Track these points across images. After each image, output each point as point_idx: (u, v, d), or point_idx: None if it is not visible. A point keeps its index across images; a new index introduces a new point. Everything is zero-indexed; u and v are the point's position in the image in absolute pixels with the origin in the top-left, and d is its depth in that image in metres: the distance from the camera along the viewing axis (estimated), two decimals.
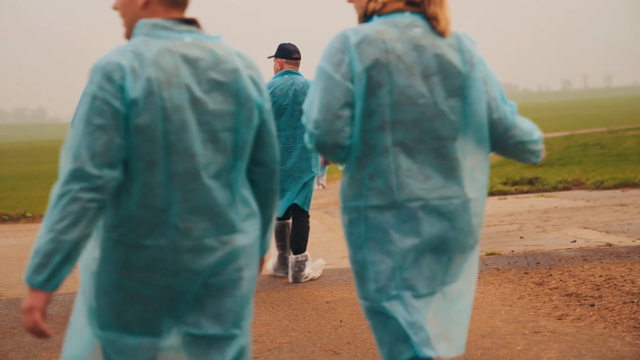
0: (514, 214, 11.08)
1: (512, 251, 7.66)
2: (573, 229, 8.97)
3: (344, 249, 8.68)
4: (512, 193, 15.53)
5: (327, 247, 8.93)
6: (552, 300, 5.49)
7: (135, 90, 2.28)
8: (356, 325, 5.17)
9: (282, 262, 7.12)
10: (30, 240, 11.39)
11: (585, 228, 9.00)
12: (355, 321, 5.27)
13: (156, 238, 2.35)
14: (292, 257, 6.80)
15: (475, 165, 2.72)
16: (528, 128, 2.84)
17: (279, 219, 7.02)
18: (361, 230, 2.67)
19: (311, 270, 6.86)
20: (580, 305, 5.29)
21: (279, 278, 7.04)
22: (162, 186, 2.33)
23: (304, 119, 2.66)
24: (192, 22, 2.44)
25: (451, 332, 2.69)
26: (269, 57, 7.14)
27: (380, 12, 2.69)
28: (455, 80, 2.64)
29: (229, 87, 2.41)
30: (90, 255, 2.43)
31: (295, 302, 6.00)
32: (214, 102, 2.38)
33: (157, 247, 2.36)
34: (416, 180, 2.61)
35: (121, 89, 2.27)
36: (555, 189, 15.73)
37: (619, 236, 8.20)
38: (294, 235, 6.86)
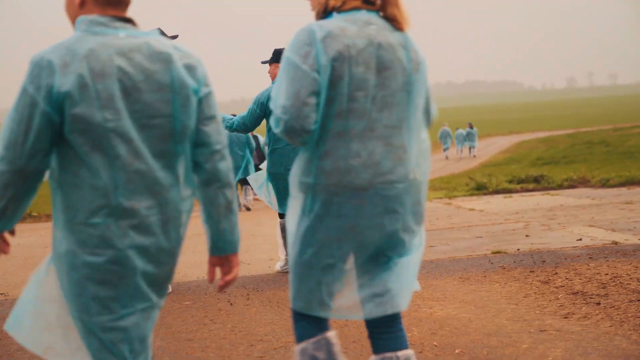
0: (520, 212, 11.07)
1: (518, 249, 7.64)
2: (579, 227, 8.95)
3: None
4: (517, 191, 15.51)
5: None
6: (558, 299, 5.48)
7: (66, 84, 2.49)
8: (362, 324, 5.16)
9: None
10: (35, 239, 11.40)
11: (591, 226, 8.99)
12: (361, 320, 5.26)
13: (103, 217, 2.55)
14: None
15: (419, 152, 2.99)
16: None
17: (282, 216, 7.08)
18: (308, 203, 2.92)
19: None
20: (586, 303, 5.28)
21: (285, 277, 7.04)
22: (106, 169, 2.54)
23: (272, 105, 2.89)
24: (128, 21, 2.67)
25: (393, 295, 2.96)
26: (262, 62, 7.13)
27: (339, 9, 2.93)
28: (403, 76, 2.90)
29: (163, 76, 2.60)
30: (53, 235, 2.65)
31: None
32: (148, 91, 2.58)
33: (105, 225, 2.55)
34: (364, 164, 2.85)
35: (49, 87, 2.49)
36: (560, 187, 15.71)
37: (625, 234, 8.19)
38: None
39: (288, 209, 3.03)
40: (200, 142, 2.68)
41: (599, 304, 5.22)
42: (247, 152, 15.17)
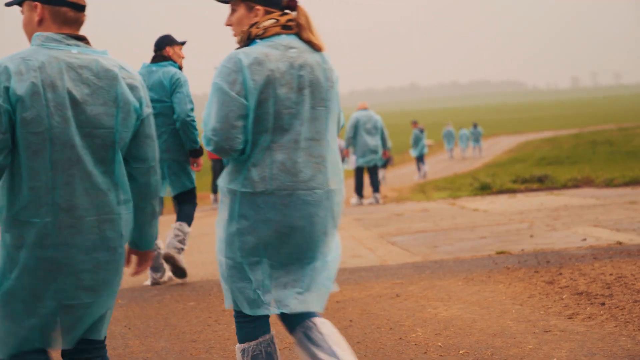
0: (524, 212, 11.06)
1: (522, 250, 7.64)
2: (583, 227, 8.94)
3: (354, 248, 8.68)
4: (521, 191, 15.50)
5: None
6: (562, 299, 5.47)
7: (20, 89, 2.77)
8: (366, 325, 5.16)
9: None
10: None
11: (595, 226, 8.98)
12: (365, 321, 5.26)
13: (42, 216, 2.82)
14: None
15: (335, 162, 3.31)
16: None
17: None
18: (236, 208, 3.22)
19: None
20: (591, 304, 5.27)
21: None
22: (47, 171, 2.82)
23: (202, 126, 3.20)
24: (81, 39, 2.96)
25: (311, 296, 3.25)
26: None
27: (262, 36, 3.23)
28: (321, 93, 3.24)
29: (109, 92, 2.91)
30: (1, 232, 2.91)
31: None
32: (94, 104, 2.89)
33: (43, 224, 2.82)
34: (288, 173, 3.17)
35: (6, 89, 2.77)
36: (565, 186, 15.69)
37: (630, 234, 8.17)
38: None
39: (218, 215, 3.31)
40: (139, 158, 3.02)
41: (603, 304, 5.21)
42: None
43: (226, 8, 3.47)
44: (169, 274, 7.26)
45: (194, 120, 6.71)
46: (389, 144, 23.99)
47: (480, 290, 5.96)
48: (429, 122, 66.71)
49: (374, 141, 14.98)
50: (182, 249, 6.81)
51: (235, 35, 3.32)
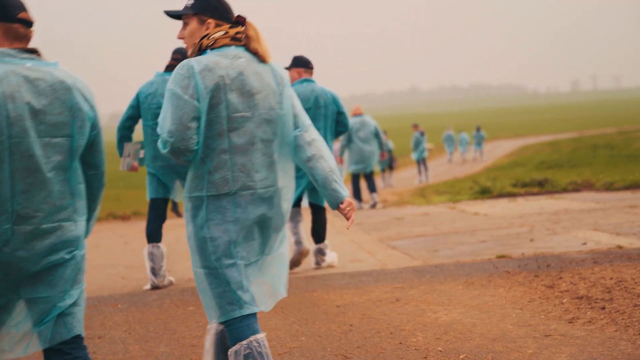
0: (524, 216, 11.05)
1: (522, 254, 7.63)
2: (583, 231, 8.94)
3: (354, 252, 8.68)
4: (521, 195, 15.50)
5: (337, 249, 8.91)
6: (562, 303, 5.47)
7: None
8: (366, 329, 5.16)
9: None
10: None
11: (595, 230, 8.97)
12: (365, 325, 5.26)
13: (2, 223, 3.00)
14: (313, 246, 7.76)
15: (285, 160, 3.54)
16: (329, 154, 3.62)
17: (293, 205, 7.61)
18: (203, 214, 3.40)
19: (331, 259, 7.79)
20: (591, 308, 5.27)
21: (289, 282, 7.03)
22: (7, 179, 2.99)
23: (159, 130, 3.38)
24: (33, 52, 3.15)
25: (275, 287, 3.55)
26: (285, 68, 7.60)
27: (212, 47, 3.47)
28: (272, 97, 3.47)
29: (64, 102, 3.10)
30: None
31: (305, 307, 5.99)
32: (52, 114, 3.07)
33: (3, 230, 3.00)
34: (247, 174, 3.40)
35: None
36: (565, 190, 15.69)
37: (630, 238, 8.17)
38: (315, 226, 7.73)
39: (186, 228, 3.48)
40: (92, 165, 3.27)
41: (603, 308, 5.21)
42: None
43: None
44: (169, 278, 7.27)
45: None
46: (388, 146, 24.08)
47: (481, 295, 5.96)
48: (429, 125, 66.71)
49: (368, 147, 15.03)
50: None
51: (187, 48, 3.58)
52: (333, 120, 7.65)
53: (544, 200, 13.71)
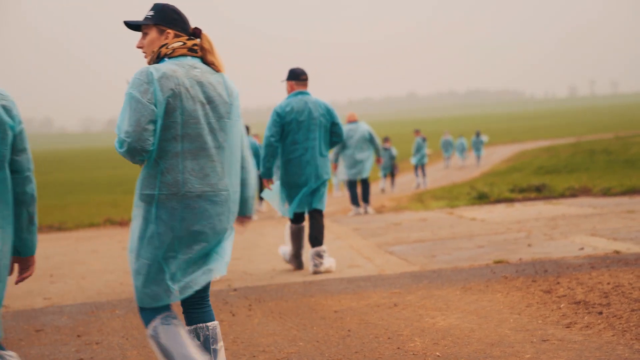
0: (522, 222, 11.06)
1: (520, 259, 7.64)
2: (581, 236, 8.95)
3: (352, 257, 8.68)
4: (519, 200, 15.51)
5: (335, 255, 8.92)
6: (560, 308, 5.48)
7: None
8: (364, 334, 5.16)
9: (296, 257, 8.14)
10: (37, 251, 11.39)
11: (592, 235, 8.98)
12: (363, 330, 5.26)
13: None
14: (311, 250, 7.84)
15: (233, 165, 3.79)
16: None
17: (294, 222, 7.98)
18: (153, 210, 3.61)
19: (329, 264, 7.87)
20: (589, 313, 5.28)
21: (287, 287, 7.04)
22: None
23: (117, 131, 3.58)
24: None
25: (216, 269, 3.75)
26: (282, 81, 8.09)
27: (170, 56, 3.71)
28: (223, 107, 3.73)
29: None
30: None
31: (303, 312, 5.99)
32: None
33: None
34: (197, 177, 3.64)
35: None
36: (562, 196, 15.70)
37: (627, 243, 8.18)
38: (312, 230, 7.89)
39: (132, 220, 3.70)
40: (14, 170, 3.40)
41: (601, 313, 5.22)
42: (255, 162, 15.36)
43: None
44: None
45: None
46: (392, 153, 24.17)
47: (478, 300, 5.96)
48: (427, 131, 66.73)
49: (360, 154, 15.20)
50: None
51: (146, 56, 3.80)
52: (327, 130, 7.92)
53: (542, 205, 13.72)
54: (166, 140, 3.59)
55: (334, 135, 7.98)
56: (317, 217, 7.93)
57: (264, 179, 7.88)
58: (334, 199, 21.63)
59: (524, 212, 12.62)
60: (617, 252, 7.61)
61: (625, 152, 29.22)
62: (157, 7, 3.76)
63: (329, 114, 7.89)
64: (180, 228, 3.61)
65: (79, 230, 16.97)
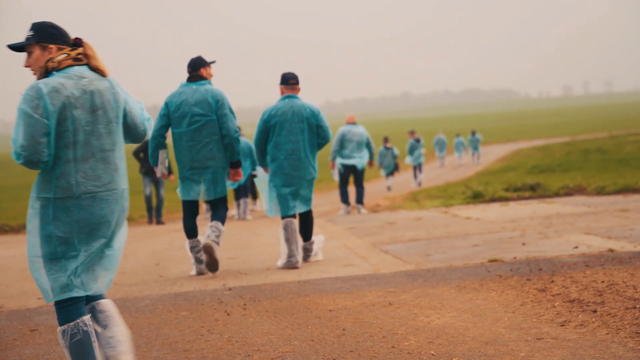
0: (516, 220, 11.07)
1: (515, 257, 7.65)
2: (575, 235, 8.96)
3: (347, 257, 8.69)
4: (513, 199, 15.52)
5: (329, 254, 8.92)
6: (554, 307, 5.49)
7: None
8: (359, 333, 5.16)
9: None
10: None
11: (587, 234, 9.00)
12: (358, 329, 5.26)
13: None
14: (301, 243, 8.48)
15: (123, 165, 4.12)
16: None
17: (285, 216, 8.32)
18: (50, 212, 3.89)
19: (317, 253, 8.53)
20: (583, 311, 5.29)
21: (282, 287, 7.04)
22: None
23: (12, 144, 3.82)
24: None
25: (105, 276, 4.04)
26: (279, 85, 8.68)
27: (57, 69, 3.94)
28: (112, 112, 4.03)
29: None
30: None
31: (297, 311, 5.99)
32: None
33: None
34: (90, 179, 3.94)
35: None
36: (557, 194, 15.72)
37: (621, 242, 8.20)
38: (302, 226, 8.48)
39: (28, 222, 3.94)
40: None
41: (595, 311, 5.23)
42: (249, 162, 15.66)
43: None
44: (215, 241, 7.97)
45: (240, 136, 7.88)
46: (394, 153, 24.36)
47: (473, 298, 5.97)
48: (422, 131, 66.75)
49: (357, 154, 15.46)
50: (218, 244, 7.78)
51: (34, 73, 4.00)
52: (312, 133, 8.40)
53: (536, 204, 13.74)
54: (59, 148, 3.87)
55: (319, 137, 8.43)
56: (304, 214, 8.51)
57: (263, 168, 8.61)
58: (330, 198, 21.65)
59: (519, 211, 12.64)
60: (611, 250, 7.63)
61: (619, 151, 29.28)
62: (35, 26, 3.99)
63: (313, 116, 8.34)
64: (76, 227, 3.91)
65: None
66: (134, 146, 17.38)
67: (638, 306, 5.23)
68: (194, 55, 8.18)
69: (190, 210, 8.04)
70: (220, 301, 6.56)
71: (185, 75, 8.18)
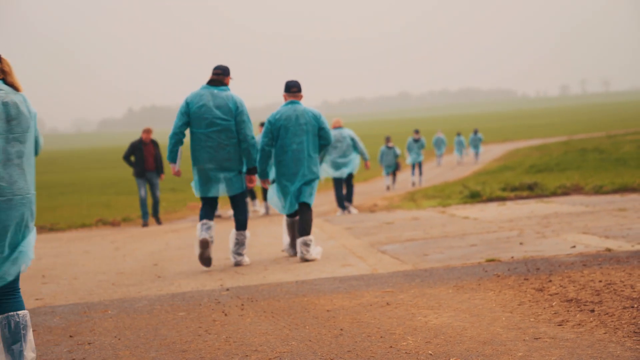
0: (514, 220, 11.08)
1: (512, 257, 7.65)
2: (572, 235, 8.97)
3: (344, 257, 8.69)
4: (511, 199, 15.54)
5: (328, 254, 8.92)
6: (552, 306, 5.49)
7: None
8: (357, 333, 5.16)
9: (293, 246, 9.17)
10: None
11: (584, 233, 9.00)
12: (355, 330, 5.26)
13: None
14: (299, 239, 8.68)
15: (33, 171, 4.53)
16: None
17: (289, 215, 8.99)
18: None
19: (316, 252, 8.69)
20: (581, 310, 5.29)
21: (280, 287, 7.04)
22: None
23: None
24: None
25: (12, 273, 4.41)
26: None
27: None
28: (26, 122, 4.46)
29: None
30: None
31: (295, 311, 5.99)
32: None
33: None
34: (7, 184, 4.36)
35: None
36: (554, 194, 15.74)
37: (619, 241, 8.20)
38: (301, 222, 8.76)
39: None
40: None
41: (593, 311, 5.23)
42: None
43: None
44: (246, 259, 8.68)
45: (255, 142, 8.46)
46: (396, 152, 24.49)
47: (471, 298, 5.97)
48: (420, 130, 66.72)
49: (343, 158, 15.83)
50: (242, 255, 8.63)
51: None
52: (315, 135, 8.95)
53: (534, 204, 13.75)
54: None
55: (321, 139, 9.00)
56: (305, 210, 8.83)
57: (262, 179, 9.03)
58: (329, 198, 21.65)
59: (516, 210, 12.65)
60: (608, 249, 7.64)
61: (617, 150, 29.30)
62: None
63: (315, 120, 8.92)
64: (3, 226, 4.31)
65: (71, 231, 16.94)
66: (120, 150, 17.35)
67: (636, 305, 5.24)
68: (221, 63, 8.92)
69: (209, 204, 8.54)
70: (218, 301, 6.56)
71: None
